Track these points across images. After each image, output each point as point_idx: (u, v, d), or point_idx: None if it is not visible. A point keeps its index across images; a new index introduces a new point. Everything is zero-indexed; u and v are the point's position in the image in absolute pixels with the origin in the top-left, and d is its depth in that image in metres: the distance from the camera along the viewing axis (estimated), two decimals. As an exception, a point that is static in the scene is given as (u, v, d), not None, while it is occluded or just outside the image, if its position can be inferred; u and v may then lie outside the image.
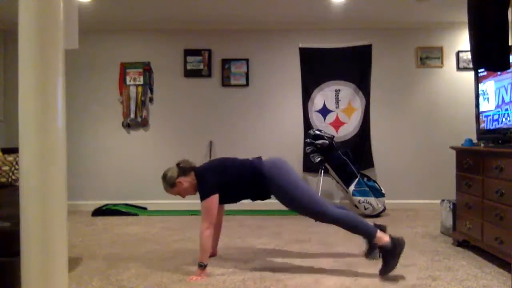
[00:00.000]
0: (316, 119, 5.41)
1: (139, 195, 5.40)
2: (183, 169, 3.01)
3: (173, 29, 5.44)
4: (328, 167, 4.94)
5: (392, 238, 2.72)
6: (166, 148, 5.45)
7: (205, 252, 2.81)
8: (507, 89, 3.11)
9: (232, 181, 2.94)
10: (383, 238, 2.72)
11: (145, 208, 5.34)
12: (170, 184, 3.00)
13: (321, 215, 2.84)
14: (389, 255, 2.69)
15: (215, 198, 2.87)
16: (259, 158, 3.07)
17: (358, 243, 3.40)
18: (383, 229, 3.36)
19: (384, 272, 2.68)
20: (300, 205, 2.86)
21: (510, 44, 2.33)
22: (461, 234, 3.45)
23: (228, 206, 3.26)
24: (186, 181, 2.98)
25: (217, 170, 2.97)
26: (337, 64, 5.35)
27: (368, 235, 2.76)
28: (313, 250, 3.44)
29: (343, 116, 5.40)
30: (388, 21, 5.29)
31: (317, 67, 5.37)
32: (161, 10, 4.93)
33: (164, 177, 3.03)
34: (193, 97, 5.48)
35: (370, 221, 4.29)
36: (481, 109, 3.46)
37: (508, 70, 2.88)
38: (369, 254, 3.18)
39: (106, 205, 5.27)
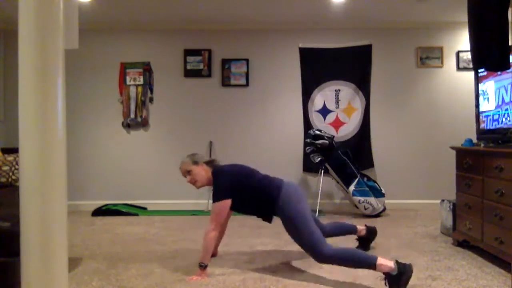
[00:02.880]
0: (316, 119, 5.41)
1: (139, 195, 5.40)
2: (207, 161, 3.10)
3: (173, 29, 5.44)
4: (328, 167, 4.94)
5: (398, 264, 2.49)
6: (166, 148, 5.45)
7: (207, 252, 2.81)
8: (507, 89, 3.11)
9: (246, 193, 2.91)
10: (386, 265, 2.49)
11: (145, 208, 5.34)
12: (193, 161, 3.04)
13: (319, 252, 2.68)
14: (394, 284, 2.46)
15: (227, 202, 2.87)
16: (280, 181, 2.95)
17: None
18: (372, 231, 3.36)
19: None
20: (301, 238, 2.77)
21: (510, 44, 2.33)
22: (461, 234, 3.45)
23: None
24: (205, 171, 3.02)
25: (236, 177, 2.94)
26: (337, 64, 5.35)
27: (369, 265, 2.55)
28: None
29: (343, 116, 5.40)
30: (388, 21, 5.30)
31: (317, 67, 5.37)
32: (161, 10, 4.93)
33: (193, 154, 3.09)
34: (193, 97, 5.48)
35: (371, 221, 4.31)
36: (481, 109, 3.46)
37: (508, 70, 2.88)
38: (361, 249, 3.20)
39: (106, 205, 5.27)
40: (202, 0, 4.57)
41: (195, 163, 3.02)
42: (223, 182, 2.90)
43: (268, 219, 3.02)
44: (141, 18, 5.21)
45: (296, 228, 2.78)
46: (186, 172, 3.05)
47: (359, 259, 2.59)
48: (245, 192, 2.90)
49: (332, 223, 3.39)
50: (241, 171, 3.01)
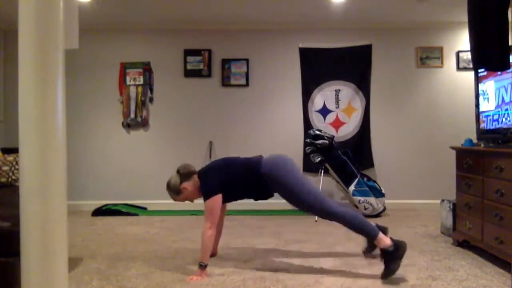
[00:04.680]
0: (316, 119, 5.41)
1: (139, 195, 5.40)
2: (184, 174, 3.00)
3: (173, 29, 5.44)
4: (328, 167, 4.94)
5: (393, 241, 2.70)
6: (166, 148, 5.45)
7: (206, 252, 2.81)
8: (507, 89, 3.11)
9: (233, 180, 2.94)
10: (385, 240, 2.71)
11: (145, 208, 5.34)
12: (176, 191, 3.00)
13: (324, 211, 2.83)
14: (390, 258, 2.67)
15: (218, 198, 2.88)
16: (260, 157, 3.06)
17: (358, 243, 3.41)
18: (384, 231, 3.35)
19: (386, 276, 2.66)
20: (303, 202, 2.86)
21: (510, 44, 2.33)
22: (461, 234, 3.45)
23: (228, 206, 3.26)
24: (190, 185, 2.99)
25: (219, 170, 2.98)
26: (337, 64, 5.35)
27: (370, 235, 2.76)
28: (313, 250, 3.44)
29: (343, 116, 5.40)
30: (388, 21, 5.29)
31: (317, 67, 5.37)
32: (161, 10, 4.93)
33: (168, 186, 3.01)
34: (193, 97, 5.48)
35: (370, 222, 4.29)
36: (481, 109, 3.46)
37: (508, 70, 2.88)
38: (367, 251, 3.20)
39: (106, 205, 5.27)
40: (202, 0, 4.57)
41: (178, 192, 3.00)
42: (209, 179, 2.93)
43: (265, 197, 3.05)
44: (141, 18, 5.21)
45: (293, 192, 2.85)
46: (179, 200, 3.08)
47: (364, 226, 2.78)
48: (232, 180, 2.94)
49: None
50: (222, 163, 3.06)
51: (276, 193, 2.98)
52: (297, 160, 5.33)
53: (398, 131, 5.41)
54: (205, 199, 2.88)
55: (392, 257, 2.66)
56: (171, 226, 4.42)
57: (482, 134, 3.43)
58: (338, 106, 5.39)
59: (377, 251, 3.42)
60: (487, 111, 3.37)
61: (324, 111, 5.41)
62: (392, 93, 5.42)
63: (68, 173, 1.78)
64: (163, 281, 2.70)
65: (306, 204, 2.87)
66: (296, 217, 4.69)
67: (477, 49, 2.37)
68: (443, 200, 3.95)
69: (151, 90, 5.49)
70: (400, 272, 2.75)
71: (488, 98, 3.36)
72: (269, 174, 2.89)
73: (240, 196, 3.05)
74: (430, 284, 2.62)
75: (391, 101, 5.42)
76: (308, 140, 4.98)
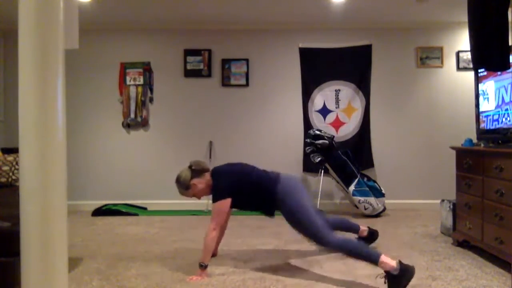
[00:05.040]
0: (316, 119, 5.41)
1: (139, 195, 5.40)
2: (196, 170, 2.98)
3: (173, 29, 5.44)
4: (328, 167, 4.94)
5: (401, 264, 2.48)
6: (166, 148, 5.45)
7: (207, 252, 2.81)
8: (507, 89, 3.11)
9: (246, 189, 2.91)
10: (388, 263, 2.49)
11: (145, 208, 5.34)
12: (184, 186, 2.97)
13: (324, 241, 2.73)
14: (393, 283, 2.45)
15: (227, 202, 2.87)
16: (277, 174, 2.98)
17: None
18: (374, 234, 3.37)
19: None
20: (304, 229, 2.79)
21: (510, 44, 2.33)
22: (461, 234, 3.45)
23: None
24: (201, 183, 2.97)
25: (235, 175, 2.95)
26: (337, 64, 5.35)
27: (372, 261, 2.57)
28: (313, 250, 3.43)
29: (343, 116, 5.40)
30: (388, 21, 5.29)
31: (317, 67, 5.37)
32: (161, 10, 4.93)
33: (178, 181, 2.99)
34: (193, 97, 5.48)
35: (371, 221, 4.30)
36: (481, 109, 3.46)
37: (508, 70, 2.88)
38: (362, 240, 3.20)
39: (106, 205, 5.27)
40: (202, 0, 4.57)
41: (186, 187, 2.98)
42: (221, 182, 2.91)
43: (270, 214, 3.02)
44: (141, 18, 5.21)
45: (298, 220, 2.80)
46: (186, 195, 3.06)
47: (363, 253, 2.63)
48: (244, 189, 2.91)
49: (335, 218, 3.40)
50: (239, 169, 3.02)
51: (279, 211, 2.92)
52: (297, 160, 5.35)
53: (398, 131, 5.41)
54: (215, 200, 2.87)
55: (397, 282, 2.44)
56: (171, 226, 4.42)
57: (482, 134, 3.43)
58: (338, 106, 5.39)
59: (373, 245, 3.44)
60: (487, 111, 3.37)
61: (324, 111, 5.41)
62: (392, 93, 5.42)
63: (68, 173, 1.78)
64: (163, 281, 2.70)
65: (306, 234, 2.80)
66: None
67: (477, 49, 2.36)
68: (443, 200, 3.95)
69: (151, 90, 5.49)
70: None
71: (488, 98, 3.36)
72: (283, 195, 2.84)
73: (247, 206, 3.00)
74: (430, 284, 2.62)
75: (391, 101, 5.42)
76: (308, 140, 4.98)
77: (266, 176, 2.96)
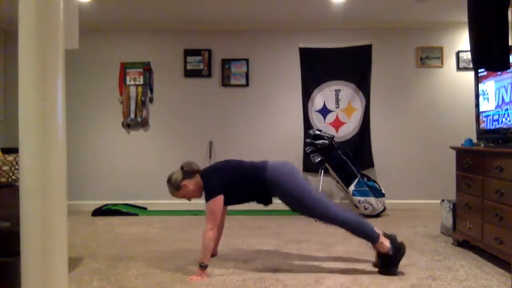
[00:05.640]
0: (316, 119, 5.41)
1: (139, 195, 5.40)
2: (188, 172, 3.00)
3: (173, 29, 5.44)
4: (328, 167, 4.94)
5: (393, 244, 2.71)
6: (166, 148, 5.45)
7: (206, 252, 2.81)
8: (507, 89, 3.11)
9: (236, 183, 2.93)
10: (386, 244, 2.71)
11: (145, 208, 5.34)
12: (175, 187, 2.99)
13: (326, 216, 2.83)
14: (390, 263, 2.68)
15: (220, 199, 2.87)
16: (264, 162, 3.01)
17: (358, 243, 3.40)
18: (393, 239, 3.24)
19: (384, 274, 2.67)
20: (304, 206, 2.85)
21: (510, 44, 2.33)
22: (461, 234, 3.45)
23: (229, 207, 3.26)
24: (191, 184, 2.98)
25: (222, 172, 2.97)
26: (337, 64, 5.35)
27: (371, 239, 2.76)
28: (313, 250, 3.44)
29: (343, 116, 5.40)
30: (388, 21, 5.29)
31: (317, 67, 5.37)
32: (161, 10, 4.93)
33: (169, 181, 3.01)
34: (193, 97, 5.48)
35: (370, 222, 4.28)
36: (481, 109, 3.46)
37: (508, 70, 2.88)
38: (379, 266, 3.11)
39: (106, 205, 5.27)
40: (202, 0, 4.57)
41: (177, 188, 2.99)
42: (211, 180, 2.92)
43: (266, 202, 3.03)
44: (141, 18, 5.21)
45: (297, 200, 2.84)
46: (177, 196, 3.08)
47: (363, 229, 2.78)
48: (235, 183, 2.92)
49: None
50: (225, 165, 3.06)
51: (277, 197, 2.95)
52: (297, 160, 5.34)
53: (398, 131, 5.41)
54: (207, 200, 2.87)
55: (393, 261, 2.67)
56: (171, 226, 4.42)
57: (482, 134, 3.43)
58: (338, 106, 5.39)
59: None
60: (487, 111, 3.37)
61: (324, 111, 5.41)
62: (392, 93, 5.42)
63: (68, 173, 1.78)
64: (163, 281, 2.70)
65: (307, 208, 2.86)
66: (296, 217, 4.67)
67: (477, 49, 2.36)
68: (443, 200, 3.95)
69: (151, 90, 5.49)
70: (400, 272, 2.75)
71: (488, 98, 3.36)
72: (273, 179, 2.87)
73: (241, 199, 3.02)
74: (430, 284, 2.62)
75: (391, 101, 5.42)
76: (308, 140, 4.98)
77: (253, 166, 3.00)
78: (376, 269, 2.81)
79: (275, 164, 2.97)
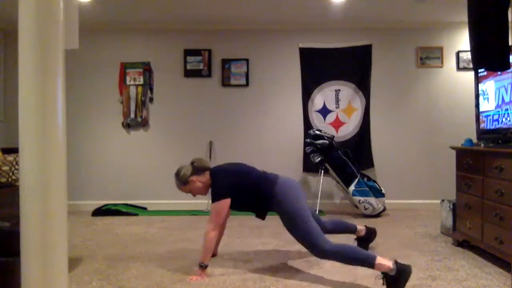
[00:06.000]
0: (316, 119, 5.41)
1: (139, 195, 5.40)
2: (197, 168, 2.99)
3: (173, 29, 5.44)
4: (328, 167, 4.94)
5: (397, 264, 2.48)
6: (166, 148, 5.45)
7: (207, 252, 2.81)
8: (507, 89, 3.11)
9: (244, 190, 2.90)
10: (385, 264, 2.48)
11: (145, 208, 5.34)
12: (182, 181, 2.98)
13: (319, 250, 2.68)
14: (391, 283, 2.46)
15: (226, 202, 2.86)
16: (275, 176, 2.97)
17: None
18: (372, 232, 3.35)
19: None
20: (299, 235, 2.77)
21: (510, 44, 2.33)
22: (461, 234, 3.45)
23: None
24: (199, 181, 2.98)
25: (234, 175, 2.94)
26: (337, 64, 5.35)
27: (367, 265, 2.54)
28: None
29: (343, 116, 5.40)
30: (388, 21, 5.29)
31: (317, 67, 5.37)
32: (161, 10, 4.93)
33: (177, 174, 3.00)
34: (193, 97, 5.48)
35: (370, 221, 4.30)
36: (481, 109, 3.46)
37: (508, 70, 2.88)
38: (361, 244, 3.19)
39: (106, 205, 5.27)
40: (202, 0, 4.57)
41: (184, 182, 2.98)
42: (221, 182, 2.90)
43: (262, 216, 3.02)
44: (141, 18, 5.21)
45: (294, 224, 2.78)
46: (183, 190, 3.07)
47: (358, 257, 2.58)
48: (242, 190, 2.90)
49: (332, 220, 3.38)
50: (238, 169, 3.01)
51: (273, 212, 2.91)
52: (297, 160, 5.35)
53: (398, 131, 5.41)
54: (214, 200, 2.86)
55: (395, 283, 2.44)
56: (171, 226, 4.42)
57: (482, 134, 3.43)
58: (338, 106, 5.39)
59: (372, 245, 3.44)
60: (487, 111, 3.37)
61: (324, 111, 5.41)
62: (392, 93, 5.42)
63: (68, 173, 1.78)
64: (163, 281, 2.70)
65: (301, 240, 2.77)
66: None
67: (477, 49, 2.36)
68: (443, 200, 3.95)
69: (151, 90, 5.48)
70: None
71: (488, 98, 3.36)
72: (281, 197, 2.82)
73: (241, 206, 2.98)
74: (430, 284, 2.62)
75: (391, 101, 5.42)
76: (308, 140, 4.98)
77: (264, 177, 2.95)
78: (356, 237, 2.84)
79: (285, 180, 2.92)
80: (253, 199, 2.92)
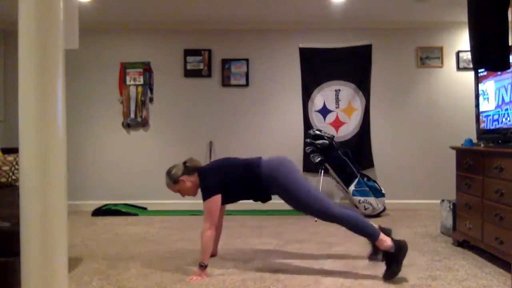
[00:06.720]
0: (316, 119, 5.41)
1: (139, 195, 5.40)
2: (189, 168, 3.01)
3: (173, 29, 5.43)
4: (328, 167, 4.94)
5: (394, 241, 2.68)
6: (166, 148, 5.45)
7: (206, 252, 2.81)
8: (507, 89, 3.11)
9: (232, 181, 2.93)
10: (386, 242, 2.68)
11: (145, 208, 5.34)
12: (173, 180, 3.01)
13: (324, 213, 2.81)
14: (392, 260, 2.65)
15: (217, 198, 2.87)
16: (259, 158, 3.03)
17: (358, 243, 3.41)
18: (388, 232, 3.32)
19: (388, 277, 2.64)
20: (302, 203, 2.84)
21: (510, 44, 2.33)
22: (461, 234, 3.45)
23: (228, 206, 3.26)
24: (189, 181, 2.99)
25: (219, 170, 2.97)
26: (337, 64, 5.35)
27: (371, 236, 2.72)
28: (313, 250, 3.44)
29: (343, 116, 5.40)
30: (388, 21, 5.29)
31: (317, 67, 5.37)
32: (161, 10, 4.93)
33: (169, 173, 3.03)
34: (193, 97, 5.47)
35: (371, 222, 4.28)
36: (481, 109, 3.46)
37: (508, 70, 2.88)
38: (372, 256, 3.15)
39: (106, 205, 5.27)
40: (202, 0, 4.57)
41: (175, 181, 3.00)
42: (209, 179, 2.92)
43: (265, 199, 3.03)
44: (141, 18, 5.21)
45: (294, 196, 2.83)
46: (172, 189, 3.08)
47: (363, 226, 2.75)
48: (232, 181, 2.92)
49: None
50: (223, 164, 3.06)
51: (275, 194, 2.95)
52: (297, 160, 5.34)
53: (398, 131, 5.41)
54: (204, 199, 2.87)
55: (394, 258, 2.64)
56: (171, 226, 4.42)
57: (482, 134, 3.43)
58: (338, 106, 5.39)
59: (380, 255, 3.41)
60: (487, 111, 3.37)
61: (324, 111, 5.41)
62: (392, 93, 5.42)
63: (68, 173, 1.78)
64: (163, 281, 2.70)
65: (304, 205, 2.84)
66: (296, 217, 4.68)
67: (477, 49, 2.37)
68: (443, 200, 3.95)
69: (151, 90, 5.48)
70: (400, 272, 2.75)
71: (488, 98, 3.36)
72: (269, 175, 2.87)
73: (239, 197, 3.02)
74: (430, 284, 2.62)
75: (391, 101, 5.42)
76: (308, 140, 4.98)
77: (248, 163, 2.99)
78: (366, 258, 2.87)
79: (270, 160, 2.98)
80: (245, 187, 2.94)
